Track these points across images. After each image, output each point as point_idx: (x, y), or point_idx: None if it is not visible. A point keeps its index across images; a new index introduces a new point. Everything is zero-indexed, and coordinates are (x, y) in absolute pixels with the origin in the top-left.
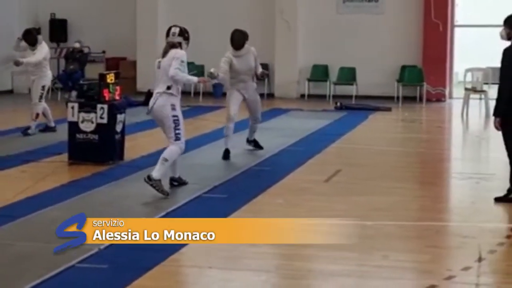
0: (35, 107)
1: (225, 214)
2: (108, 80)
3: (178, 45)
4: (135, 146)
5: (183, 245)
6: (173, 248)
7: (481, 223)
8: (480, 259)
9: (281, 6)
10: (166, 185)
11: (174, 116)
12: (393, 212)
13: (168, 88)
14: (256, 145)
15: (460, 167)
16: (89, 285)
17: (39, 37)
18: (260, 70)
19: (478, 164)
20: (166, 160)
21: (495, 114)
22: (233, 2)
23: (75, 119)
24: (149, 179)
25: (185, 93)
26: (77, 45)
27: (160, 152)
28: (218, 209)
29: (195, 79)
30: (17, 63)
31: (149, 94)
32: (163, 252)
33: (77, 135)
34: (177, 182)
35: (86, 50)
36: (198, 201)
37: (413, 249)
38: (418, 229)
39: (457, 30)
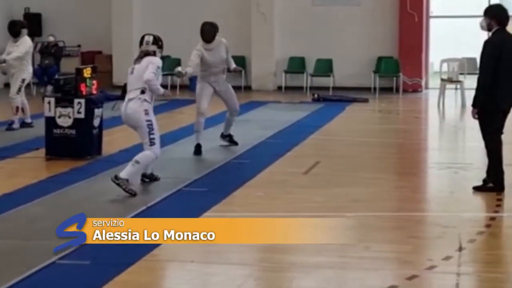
0: (13, 100)
1: (204, 208)
2: (85, 75)
3: (152, 54)
4: (113, 141)
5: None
6: (155, 244)
7: (461, 212)
8: (460, 249)
9: None
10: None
11: (147, 121)
12: (373, 203)
13: (142, 92)
14: (231, 140)
15: (438, 157)
16: (71, 282)
17: (23, 30)
18: (233, 64)
19: (456, 154)
20: (137, 162)
21: (473, 105)
22: None
23: (52, 114)
24: (116, 178)
25: (161, 86)
26: (51, 38)
27: (138, 146)
28: (197, 202)
29: (161, 90)
30: (2, 61)
31: (125, 88)
32: (144, 247)
33: (54, 130)
34: (148, 179)
35: (61, 44)
36: (178, 195)
37: (394, 239)
38: (399, 219)
39: (432, 21)
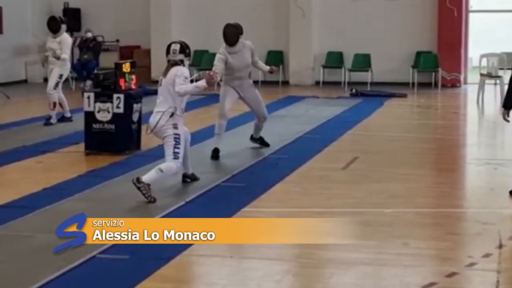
0: (50, 96)
1: (242, 203)
2: (124, 70)
3: (179, 63)
4: (152, 136)
5: None
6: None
7: (501, 209)
8: (500, 246)
9: None
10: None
11: (175, 134)
12: (412, 199)
13: (172, 114)
14: (262, 142)
15: (477, 153)
16: (110, 276)
17: (63, 26)
18: (264, 66)
19: (495, 149)
20: (161, 171)
21: (504, 105)
22: None
23: (91, 109)
24: (138, 181)
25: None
26: (89, 35)
27: None
28: (235, 198)
29: (202, 83)
30: (56, 56)
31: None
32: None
33: (94, 125)
34: (189, 179)
35: (99, 39)
36: (216, 191)
37: (433, 236)
38: (437, 216)
39: (471, 16)
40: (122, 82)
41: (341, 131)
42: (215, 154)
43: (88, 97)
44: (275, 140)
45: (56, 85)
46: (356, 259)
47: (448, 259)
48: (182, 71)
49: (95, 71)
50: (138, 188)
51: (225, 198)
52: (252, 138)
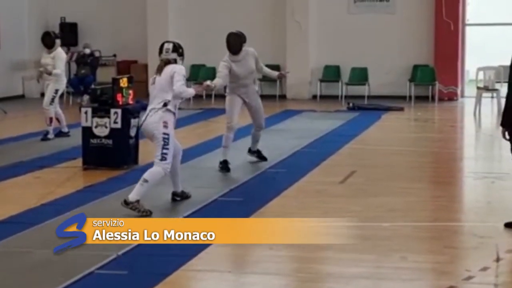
0: (47, 111)
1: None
2: (121, 84)
3: (173, 62)
4: (149, 151)
5: (201, 250)
6: (191, 253)
7: (498, 223)
8: (498, 259)
9: (292, 7)
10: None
11: (164, 134)
12: (410, 213)
13: (165, 104)
14: (259, 156)
15: (474, 166)
16: None
17: (57, 41)
18: (270, 71)
19: (492, 163)
20: (146, 181)
21: (502, 124)
22: (244, 4)
23: (88, 124)
24: (126, 203)
25: (197, 96)
26: (87, 51)
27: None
28: (234, 212)
29: (192, 90)
30: (48, 73)
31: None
32: (181, 257)
33: (91, 140)
34: (179, 197)
35: (97, 54)
36: (214, 205)
37: (431, 250)
38: (435, 229)
39: (468, 29)
40: (119, 97)
41: (339, 145)
42: (225, 165)
43: (86, 112)
44: (272, 154)
45: (52, 100)
46: (354, 273)
47: (446, 272)
48: (179, 69)
49: (92, 86)
50: (130, 209)
51: (223, 213)
52: (250, 151)
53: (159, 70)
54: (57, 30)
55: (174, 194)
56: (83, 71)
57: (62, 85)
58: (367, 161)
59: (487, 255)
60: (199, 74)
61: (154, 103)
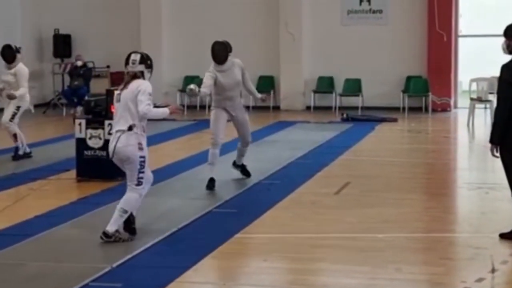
0: (8, 128)
1: (234, 230)
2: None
3: (140, 75)
4: None
5: (196, 262)
6: (186, 265)
7: (493, 233)
8: (493, 270)
9: (285, 18)
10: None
11: (141, 157)
12: (404, 224)
13: (130, 128)
14: (243, 171)
15: (468, 177)
16: None
17: (18, 55)
18: (256, 93)
19: (486, 174)
20: (125, 212)
21: (491, 141)
22: (238, 15)
23: (82, 135)
24: (106, 236)
25: (191, 107)
26: (79, 63)
27: (168, 167)
28: (228, 224)
29: (166, 110)
30: (11, 97)
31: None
32: (176, 269)
33: (85, 152)
34: (128, 231)
35: (90, 65)
36: (208, 217)
37: (426, 261)
38: (430, 240)
39: (461, 40)
40: (113, 108)
41: (333, 156)
42: (211, 184)
43: (80, 124)
44: (266, 165)
45: (13, 117)
46: (349, 285)
47: (441, 284)
48: (145, 87)
49: (86, 98)
50: (112, 241)
51: (217, 224)
52: (234, 164)
53: (125, 85)
54: (51, 42)
55: (126, 223)
56: (76, 82)
57: (26, 102)
58: (361, 172)
59: (483, 266)
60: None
61: (121, 125)
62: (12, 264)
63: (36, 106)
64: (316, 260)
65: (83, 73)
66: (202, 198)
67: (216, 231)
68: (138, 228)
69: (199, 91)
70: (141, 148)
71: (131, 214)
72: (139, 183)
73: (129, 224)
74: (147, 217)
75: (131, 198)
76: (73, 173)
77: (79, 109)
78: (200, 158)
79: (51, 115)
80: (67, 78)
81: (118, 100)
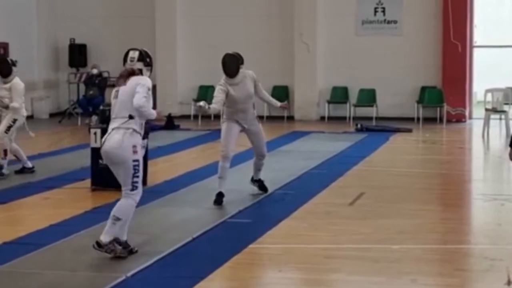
0: (1, 140)
1: (249, 240)
2: None
3: (138, 72)
4: (158, 171)
5: (211, 272)
6: (201, 275)
7: (509, 245)
8: (509, 282)
9: (300, 29)
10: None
11: (135, 160)
12: (419, 235)
13: (131, 117)
14: (260, 186)
15: (483, 188)
16: None
17: (14, 69)
18: (272, 99)
19: (501, 185)
20: (118, 219)
21: (511, 144)
22: (253, 26)
23: (97, 145)
24: (99, 246)
25: (205, 118)
26: (95, 71)
27: (183, 177)
28: (243, 234)
29: (155, 114)
30: (6, 107)
31: (170, 118)
32: (190, 279)
33: (100, 161)
34: (119, 246)
35: (105, 74)
36: (223, 226)
37: (442, 272)
38: (445, 252)
39: (476, 51)
40: None
41: (347, 167)
42: (219, 199)
43: (95, 133)
44: (281, 175)
45: (8, 129)
46: None
47: None
48: (145, 81)
49: (101, 107)
50: (105, 252)
51: (232, 234)
52: (252, 180)
53: (122, 81)
54: (66, 52)
55: (116, 240)
56: (91, 92)
57: (21, 117)
58: (376, 182)
59: (498, 278)
60: (208, 95)
61: (116, 122)
62: (27, 273)
63: (51, 115)
64: (331, 271)
65: (99, 83)
66: (216, 208)
67: (231, 241)
68: (153, 237)
69: (208, 107)
70: (135, 151)
71: (126, 242)
72: (133, 188)
73: (127, 247)
74: (162, 226)
75: (124, 205)
76: (88, 182)
77: (94, 118)
78: (215, 168)
79: (66, 124)
80: (82, 88)
81: (116, 97)
